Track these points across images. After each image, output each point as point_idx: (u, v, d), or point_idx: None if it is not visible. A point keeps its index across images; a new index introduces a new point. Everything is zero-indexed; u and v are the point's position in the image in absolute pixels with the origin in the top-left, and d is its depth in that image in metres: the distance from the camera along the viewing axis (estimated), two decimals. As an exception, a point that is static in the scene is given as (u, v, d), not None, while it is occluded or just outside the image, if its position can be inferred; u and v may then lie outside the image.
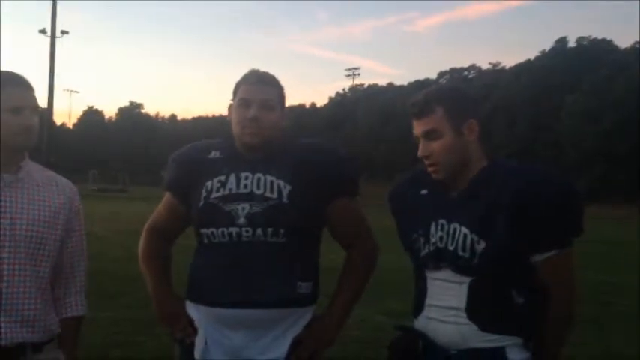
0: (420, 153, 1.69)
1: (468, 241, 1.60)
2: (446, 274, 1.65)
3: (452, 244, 1.63)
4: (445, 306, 1.65)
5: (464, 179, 1.68)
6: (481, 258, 1.59)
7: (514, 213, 1.57)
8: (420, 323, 1.73)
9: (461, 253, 1.61)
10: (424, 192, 1.76)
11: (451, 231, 1.64)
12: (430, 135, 1.67)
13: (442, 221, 1.67)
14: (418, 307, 1.74)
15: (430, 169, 1.69)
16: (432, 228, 1.68)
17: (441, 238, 1.66)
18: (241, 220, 1.80)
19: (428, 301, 1.71)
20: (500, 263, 1.59)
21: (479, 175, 1.67)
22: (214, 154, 1.92)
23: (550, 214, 1.57)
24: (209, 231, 1.83)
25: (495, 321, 1.61)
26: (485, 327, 1.60)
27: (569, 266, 1.64)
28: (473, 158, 1.68)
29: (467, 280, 1.62)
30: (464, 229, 1.62)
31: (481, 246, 1.59)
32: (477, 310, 1.61)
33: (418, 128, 1.69)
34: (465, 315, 1.62)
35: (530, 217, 1.56)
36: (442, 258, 1.65)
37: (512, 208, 1.57)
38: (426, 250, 1.69)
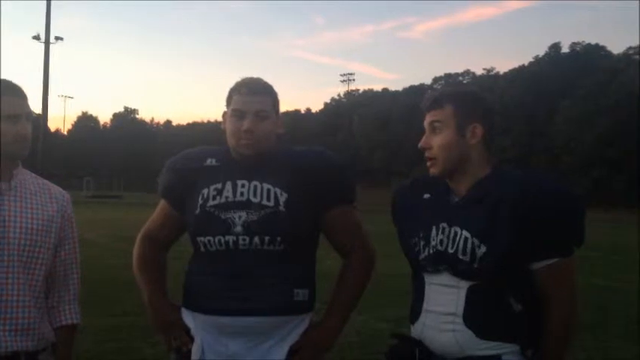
0: (420, 143, 1.71)
1: (469, 244, 1.59)
2: (444, 278, 1.64)
3: (452, 248, 1.62)
4: (442, 312, 1.64)
5: (466, 184, 1.68)
6: (481, 262, 1.57)
7: (516, 218, 1.56)
8: (417, 330, 1.72)
9: (461, 256, 1.60)
10: (427, 196, 1.76)
11: (452, 234, 1.63)
12: (434, 126, 1.69)
13: (443, 225, 1.66)
14: (415, 313, 1.73)
15: (428, 163, 1.72)
16: (433, 231, 1.67)
17: (442, 241, 1.65)
18: (238, 229, 1.78)
19: (425, 306, 1.69)
20: (501, 268, 1.58)
21: (482, 180, 1.67)
22: (210, 162, 1.90)
23: (552, 221, 1.56)
24: (205, 239, 1.82)
25: (492, 328, 1.59)
26: (482, 334, 1.59)
27: (570, 274, 1.63)
28: (473, 162, 1.68)
29: (465, 285, 1.61)
30: (465, 233, 1.61)
31: (482, 250, 1.58)
32: (474, 316, 1.60)
33: (425, 120, 1.72)
34: (461, 321, 1.60)
35: (532, 223, 1.56)
36: (442, 261, 1.64)
37: (514, 214, 1.56)
38: (426, 254, 1.68)
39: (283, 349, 1.80)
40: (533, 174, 1.71)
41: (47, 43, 32.09)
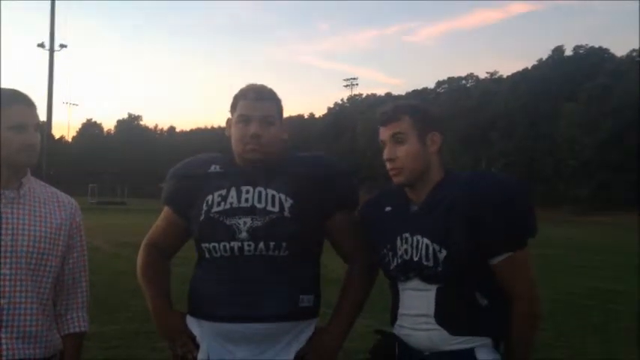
0: (385, 155, 1.77)
1: (431, 250, 1.68)
2: (415, 283, 1.74)
3: (416, 255, 1.71)
4: (416, 314, 1.73)
5: (423, 192, 1.77)
6: (444, 266, 1.67)
7: (468, 220, 1.65)
8: (395, 331, 1.82)
9: (425, 262, 1.69)
10: (388, 209, 1.84)
11: (414, 243, 1.72)
12: (397, 137, 1.76)
13: (406, 234, 1.75)
14: (393, 316, 1.83)
15: (392, 173, 1.78)
16: (398, 242, 1.76)
17: (406, 250, 1.74)
18: (243, 234, 1.79)
19: (400, 311, 1.79)
20: (462, 269, 1.67)
21: (435, 187, 1.75)
22: (214, 168, 1.91)
23: (500, 217, 1.64)
24: (210, 245, 1.83)
25: (463, 324, 1.68)
26: (454, 331, 1.68)
27: (526, 266, 1.70)
28: (432, 170, 1.77)
29: (433, 287, 1.70)
30: (426, 240, 1.70)
31: (443, 254, 1.67)
32: (444, 315, 1.69)
33: (385, 133, 1.79)
34: (434, 321, 1.70)
35: (482, 222, 1.64)
36: (409, 269, 1.73)
37: (465, 214, 1.65)
38: (395, 264, 1.77)
39: (290, 356, 1.80)
40: (482, 173, 1.81)
41: (52, 51, 32.24)
